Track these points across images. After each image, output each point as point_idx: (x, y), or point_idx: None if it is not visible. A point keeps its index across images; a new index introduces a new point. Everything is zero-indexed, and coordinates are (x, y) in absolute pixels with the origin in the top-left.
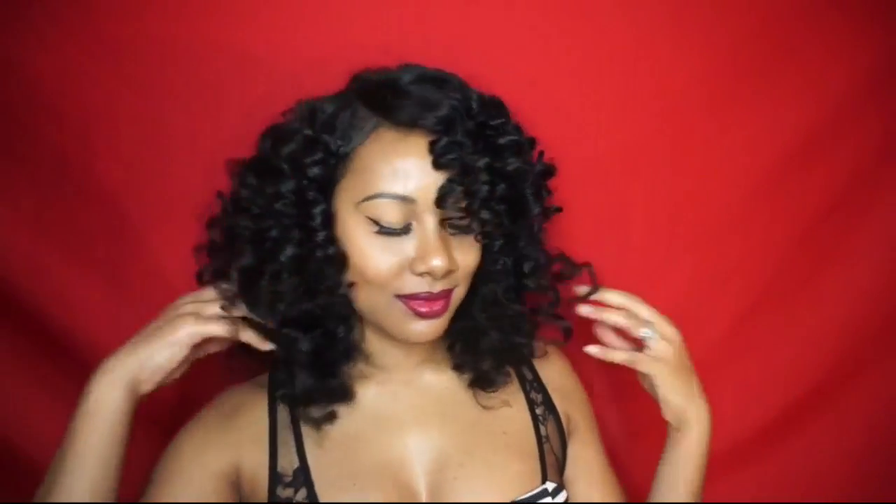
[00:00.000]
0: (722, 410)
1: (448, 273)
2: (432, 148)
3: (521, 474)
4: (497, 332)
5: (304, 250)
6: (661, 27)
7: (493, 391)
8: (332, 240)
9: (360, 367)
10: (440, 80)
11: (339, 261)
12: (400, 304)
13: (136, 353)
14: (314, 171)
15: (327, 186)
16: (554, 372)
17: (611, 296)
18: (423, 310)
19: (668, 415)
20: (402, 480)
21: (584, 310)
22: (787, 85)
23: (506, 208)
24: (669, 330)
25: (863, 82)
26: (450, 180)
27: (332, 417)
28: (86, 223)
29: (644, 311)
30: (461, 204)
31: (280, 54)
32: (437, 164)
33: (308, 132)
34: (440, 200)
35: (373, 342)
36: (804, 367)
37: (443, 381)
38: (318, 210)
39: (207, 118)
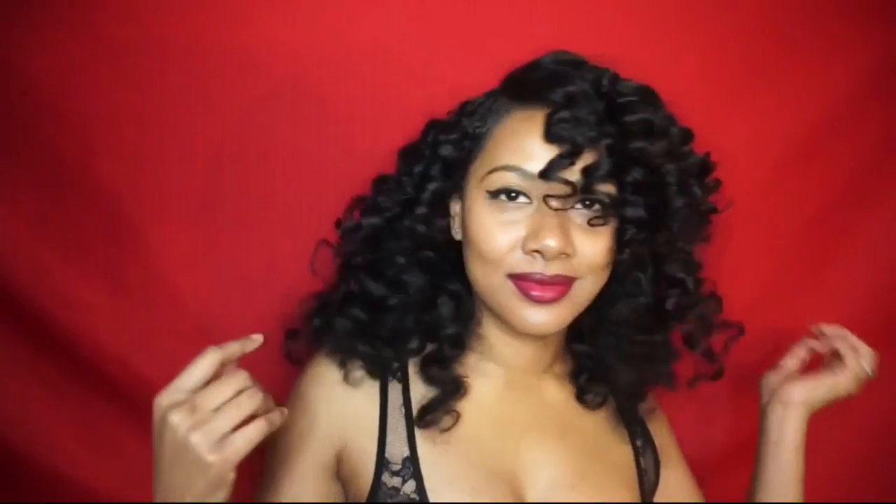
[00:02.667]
0: (723, 409)
1: (564, 257)
2: (547, 121)
3: None
4: (625, 364)
5: (407, 222)
6: (662, 25)
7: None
8: (428, 217)
9: (480, 361)
10: (577, 62)
11: (427, 238)
12: (511, 285)
13: None
14: (445, 149)
15: (456, 168)
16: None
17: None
18: (535, 293)
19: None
20: (516, 491)
21: (814, 343)
22: (788, 83)
23: (644, 202)
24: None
25: (863, 80)
26: (560, 155)
27: (454, 419)
28: (85, 223)
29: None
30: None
31: (279, 54)
32: (548, 137)
33: (453, 119)
34: (543, 172)
35: (491, 333)
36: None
37: (565, 398)
38: (431, 186)
39: (207, 118)
